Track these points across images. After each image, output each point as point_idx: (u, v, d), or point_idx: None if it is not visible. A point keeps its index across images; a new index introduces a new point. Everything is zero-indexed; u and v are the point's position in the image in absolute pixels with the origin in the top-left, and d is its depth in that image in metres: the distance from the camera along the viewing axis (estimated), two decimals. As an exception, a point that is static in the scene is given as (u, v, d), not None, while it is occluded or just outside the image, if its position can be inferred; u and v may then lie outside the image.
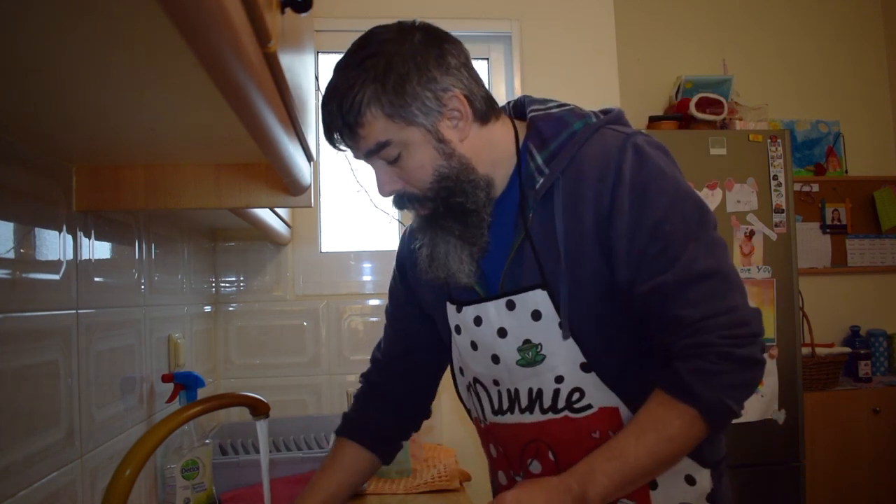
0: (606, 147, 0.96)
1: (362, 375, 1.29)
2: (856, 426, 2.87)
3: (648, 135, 1.00)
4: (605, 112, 1.05)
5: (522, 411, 1.04)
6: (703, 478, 1.01)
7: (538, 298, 0.98)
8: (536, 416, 1.02)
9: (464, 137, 0.97)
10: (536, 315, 0.98)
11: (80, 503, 1.07)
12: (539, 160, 0.98)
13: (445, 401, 2.21)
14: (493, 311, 1.02)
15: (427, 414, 1.29)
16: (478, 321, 1.04)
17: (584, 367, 0.98)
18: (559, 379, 0.99)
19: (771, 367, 2.52)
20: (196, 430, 1.54)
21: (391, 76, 0.91)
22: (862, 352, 3.11)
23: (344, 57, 0.96)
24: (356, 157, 0.99)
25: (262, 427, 1.09)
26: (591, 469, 0.90)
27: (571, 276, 0.95)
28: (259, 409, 1.08)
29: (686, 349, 0.90)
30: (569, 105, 1.04)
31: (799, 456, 2.55)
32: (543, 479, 0.92)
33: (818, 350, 2.91)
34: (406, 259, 1.18)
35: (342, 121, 0.93)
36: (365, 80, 0.91)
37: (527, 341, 1.00)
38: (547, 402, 1.01)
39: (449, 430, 2.23)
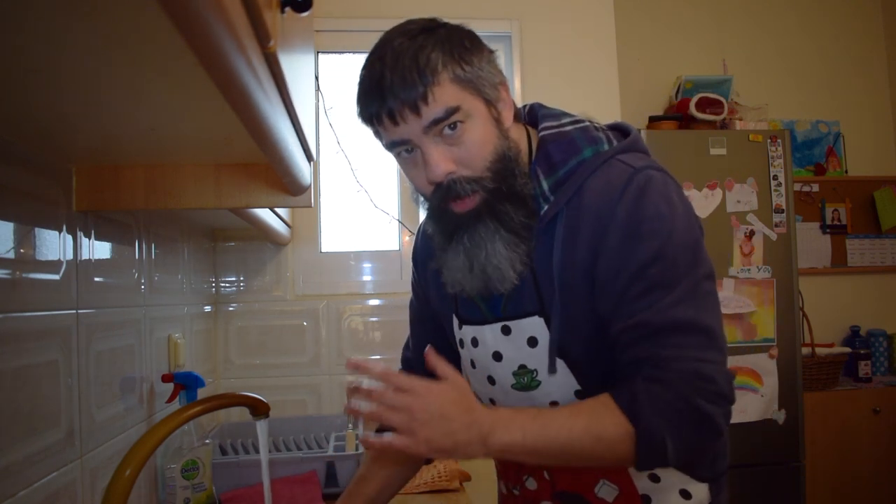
0: (611, 181, 0.91)
1: None
2: (856, 426, 2.87)
3: (661, 168, 0.95)
4: (621, 130, 1.01)
5: None
6: (700, 491, 0.99)
7: (535, 325, 0.96)
8: None
9: (509, 126, 0.95)
10: (532, 342, 0.97)
11: (80, 503, 1.07)
12: (545, 186, 0.94)
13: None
14: (490, 334, 1.00)
15: None
16: (475, 342, 1.03)
17: (579, 395, 0.96)
18: (554, 405, 0.98)
19: (771, 367, 2.52)
20: (196, 430, 1.54)
21: (456, 46, 0.88)
22: (862, 352, 3.11)
23: (391, 34, 0.90)
24: (403, 135, 0.89)
25: (262, 427, 1.09)
26: (512, 418, 0.87)
27: (564, 309, 0.93)
28: (259, 409, 1.08)
29: (650, 377, 0.87)
30: (584, 122, 0.99)
31: (799, 456, 2.55)
32: (461, 397, 0.86)
33: (818, 350, 2.91)
34: (420, 257, 1.16)
35: (418, 79, 0.85)
36: (434, 44, 0.87)
37: (522, 367, 0.98)
38: None
39: (449, 430, 2.22)
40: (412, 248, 1.22)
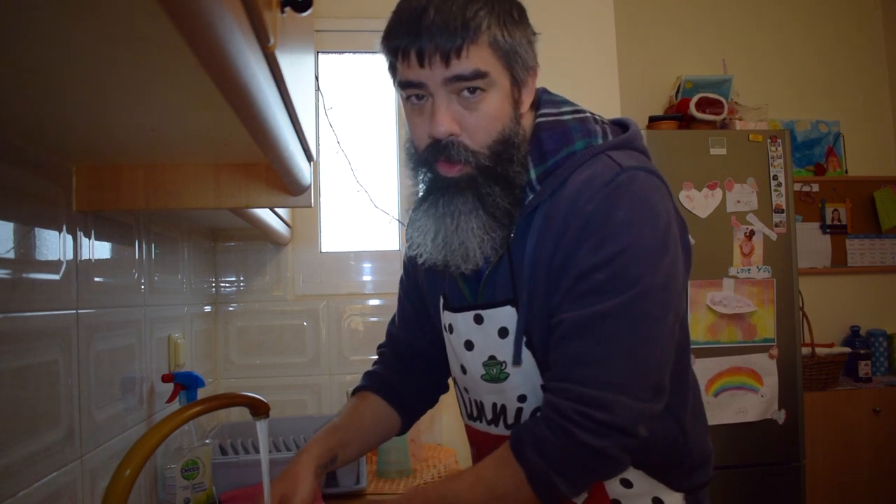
0: (593, 178, 0.88)
1: (379, 346, 1.24)
2: (856, 426, 2.87)
3: (653, 170, 0.92)
4: (621, 124, 0.99)
5: (489, 423, 1.03)
6: (674, 501, 0.98)
7: (506, 315, 0.94)
8: (501, 430, 1.01)
9: (524, 112, 0.93)
10: (503, 332, 0.95)
11: (80, 503, 1.07)
12: (533, 175, 0.92)
13: (445, 401, 2.21)
14: (462, 323, 0.99)
15: (444, 388, 1.23)
16: (450, 329, 1.02)
17: (544, 389, 0.95)
18: (522, 398, 0.97)
19: (771, 367, 2.52)
20: (196, 430, 1.53)
21: (506, 13, 0.86)
22: (862, 352, 3.11)
23: None
24: (422, 78, 0.84)
25: (262, 427, 1.09)
26: (426, 499, 0.90)
27: (531, 301, 0.91)
28: (259, 409, 1.08)
29: (545, 404, 0.88)
30: (583, 113, 0.96)
31: (799, 456, 2.55)
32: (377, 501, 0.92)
33: (818, 350, 2.91)
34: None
35: (460, 30, 0.81)
36: (487, 4, 0.84)
37: (492, 357, 0.97)
38: (510, 419, 0.99)
39: (449, 430, 2.23)
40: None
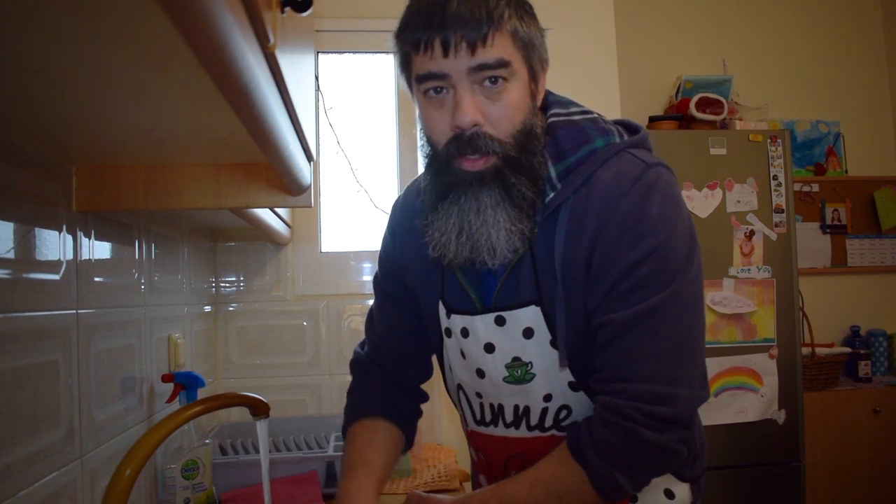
0: (622, 175, 0.90)
1: (353, 361, 1.19)
2: (856, 426, 2.87)
3: (669, 167, 0.94)
4: (629, 127, 0.99)
5: (507, 426, 1.02)
6: (683, 491, 1.01)
7: (531, 315, 0.93)
8: (522, 433, 1.00)
9: (534, 107, 0.93)
10: (528, 333, 0.94)
11: (80, 503, 1.07)
12: (553, 173, 0.92)
13: (445, 401, 2.21)
14: (481, 325, 0.97)
15: (426, 395, 1.20)
16: (464, 332, 1.00)
17: (573, 386, 0.96)
18: (548, 397, 0.97)
19: (771, 367, 2.52)
20: (196, 430, 1.53)
21: (522, 5, 0.88)
22: (862, 352, 3.11)
23: None
24: (445, 69, 0.84)
25: (262, 427, 1.09)
26: (484, 501, 0.91)
27: (566, 300, 0.91)
28: (259, 409, 1.08)
29: (601, 406, 0.88)
30: (592, 113, 0.97)
31: (799, 456, 2.55)
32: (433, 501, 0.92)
33: (818, 350, 2.91)
34: (405, 226, 1.09)
35: (485, 18, 0.82)
36: None
37: (516, 359, 0.96)
38: (534, 420, 0.99)
39: (449, 430, 2.23)
40: (389, 219, 1.15)
